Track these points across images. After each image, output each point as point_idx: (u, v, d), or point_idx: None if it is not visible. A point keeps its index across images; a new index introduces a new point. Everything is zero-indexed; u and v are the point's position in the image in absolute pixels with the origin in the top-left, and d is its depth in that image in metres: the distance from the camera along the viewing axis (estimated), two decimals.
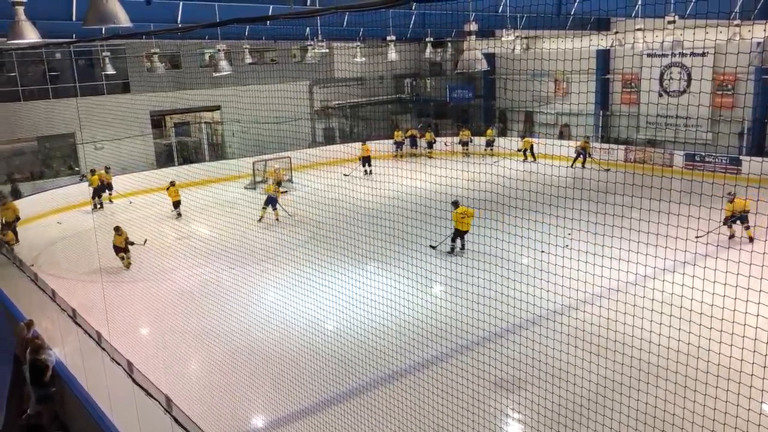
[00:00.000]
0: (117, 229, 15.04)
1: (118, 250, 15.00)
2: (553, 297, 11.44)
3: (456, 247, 14.92)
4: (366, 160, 24.21)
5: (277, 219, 18.59)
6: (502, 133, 29.06)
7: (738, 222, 14.69)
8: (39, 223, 19.63)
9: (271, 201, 18.42)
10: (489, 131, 27.60)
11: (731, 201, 14.60)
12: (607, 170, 17.80)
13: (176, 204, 19.92)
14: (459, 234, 14.85)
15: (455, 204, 14.64)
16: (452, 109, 31.91)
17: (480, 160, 25.03)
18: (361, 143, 25.22)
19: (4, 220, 17.21)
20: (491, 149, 26.86)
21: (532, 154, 25.41)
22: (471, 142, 27.64)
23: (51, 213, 20.33)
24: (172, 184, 19.99)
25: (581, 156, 23.80)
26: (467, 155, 26.92)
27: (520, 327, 9.95)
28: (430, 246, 14.68)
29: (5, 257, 13.03)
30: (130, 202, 21.66)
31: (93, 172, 21.39)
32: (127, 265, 15.12)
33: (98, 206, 21.36)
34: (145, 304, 12.75)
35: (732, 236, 14.86)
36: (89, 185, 21.25)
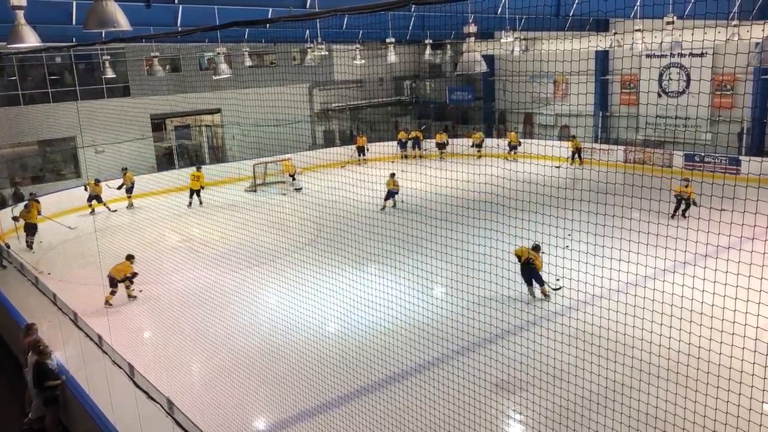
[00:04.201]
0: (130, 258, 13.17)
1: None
2: (553, 298, 11.49)
3: (193, 202, 21.33)
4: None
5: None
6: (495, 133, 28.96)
7: None
8: (40, 227, 19.61)
9: (391, 194, 19.60)
10: (512, 134, 26.47)
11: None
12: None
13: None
14: (194, 191, 21.23)
15: (198, 167, 22.06)
16: (452, 111, 31.90)
17: (487, 163, 25.00)
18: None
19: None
20: (515, 152, 25.67)
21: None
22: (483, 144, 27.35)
23: (54, 216, 20.30)
24: (37, 201, 18.40)
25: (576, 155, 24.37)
26: (480, 158, 26.23)
27: (521, 328, 9.97)
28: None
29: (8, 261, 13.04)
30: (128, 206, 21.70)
31: (125, 170, 21.88)
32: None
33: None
34: (146, 307, 12.76)
35: None
36: (119, 187, 21.48)
